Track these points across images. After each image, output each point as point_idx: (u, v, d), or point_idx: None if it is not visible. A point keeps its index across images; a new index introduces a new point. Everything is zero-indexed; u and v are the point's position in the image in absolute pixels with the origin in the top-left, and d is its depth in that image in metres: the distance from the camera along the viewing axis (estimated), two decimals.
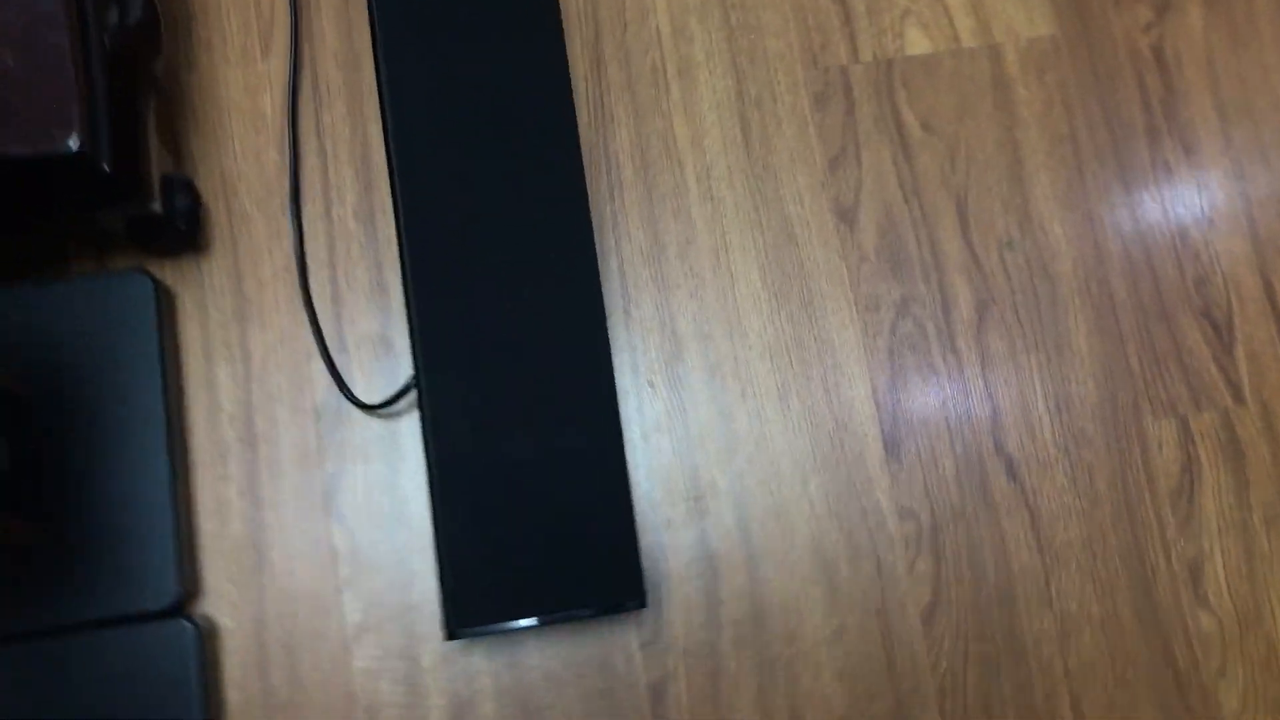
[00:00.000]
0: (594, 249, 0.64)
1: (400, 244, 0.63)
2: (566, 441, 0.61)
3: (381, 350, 0.68)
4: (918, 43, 0.72)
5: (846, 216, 0.70)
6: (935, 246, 0.70)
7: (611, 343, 0.68)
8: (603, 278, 0.69)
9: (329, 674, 0.64)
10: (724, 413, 0.68)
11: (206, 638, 0.62)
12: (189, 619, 0.61)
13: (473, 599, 0.59)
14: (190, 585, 0.63)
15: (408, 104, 0.64)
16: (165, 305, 0.66)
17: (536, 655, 0.65)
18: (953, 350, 0.69)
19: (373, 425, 0.67)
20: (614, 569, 0.60)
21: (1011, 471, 0.68)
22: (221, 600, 0.65)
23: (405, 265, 0.63)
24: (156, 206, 0.62)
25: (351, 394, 0.67)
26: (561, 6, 0.71)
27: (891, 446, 0.68)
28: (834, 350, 0.69)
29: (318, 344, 0.67)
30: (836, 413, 0.68)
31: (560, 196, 0.64)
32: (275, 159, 0.69)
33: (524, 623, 0.60)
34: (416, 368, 0.61)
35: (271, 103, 0.70)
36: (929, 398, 0.68)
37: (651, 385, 0.68)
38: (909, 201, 0.70)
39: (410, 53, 0.65)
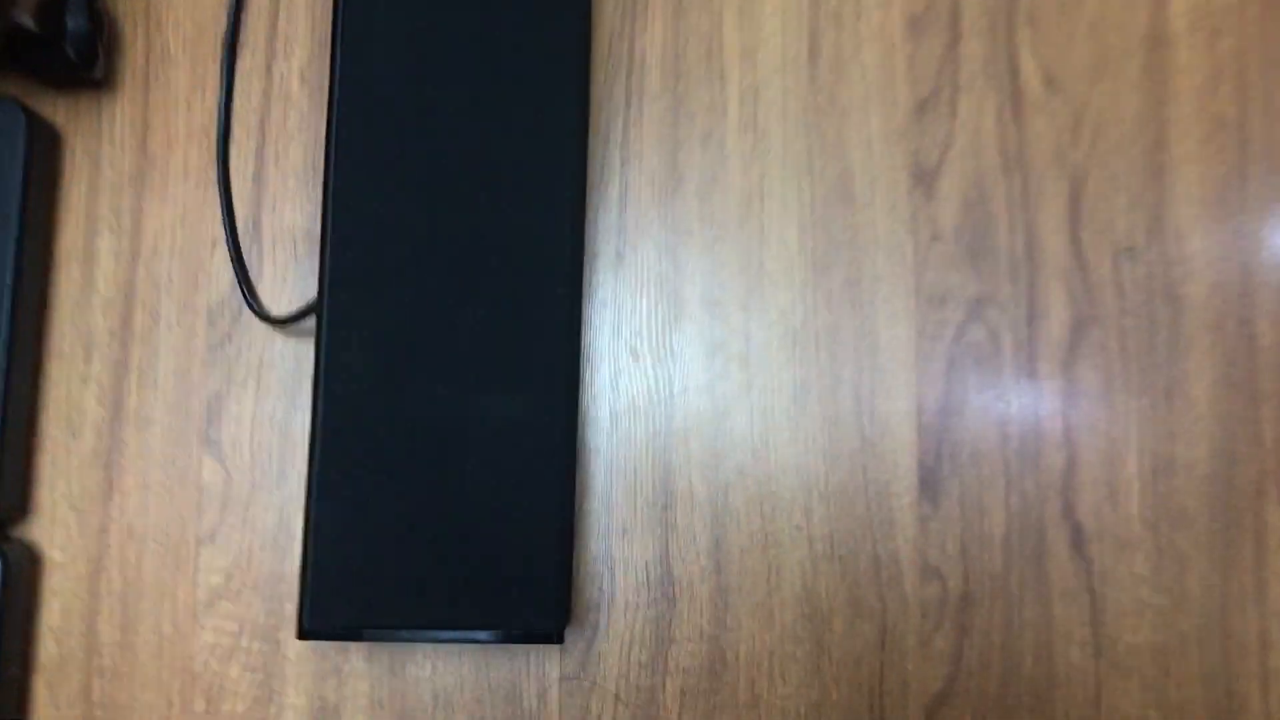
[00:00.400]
0: (583, 165, 0.49)
1: (330, 104, 0.48)
2: (500, 408, 0.46)
3: (304, 251, 0.53)
4: None
5: (924, 180, 0.54)
6: (1032, 238, 0.53)
7: (589, 291, 0.53)
8: (594, 206, 0.53)
9: (169, 643, 0.51)
10: (721, 405, 0.52)
11: (21, 568, 0.49)
12: None
13: (338, 595, 0.45)
14: (13, 500, 0.50)
15: None
16: (42, 147, 0.52)
17: (428, 668, 0.51)
18: (1030, 374, 0.53)
19: (275, 343, 0.53)
20: (532, 587, 0.45)
21: (1078, 543, 0.52)
22: (54, 527, 0.52)
23: (330, 134, 0.48)
24: (29, 22, 0.48)
25: (255, 299, 0.52)
26: None
27: (928, 484, 0.52)
28: (877, 348, 0.53)
29: (226, 230, 0.53)
30: (866, 429, 0.52)
31: (552, 89, 0.49)
32: None
33: (397, 636, 0.45)
34: (321, 280, 0.47)
35: None
36: (988, 429, 0.52)
37: (635, 355, 0.53)
38: (1009, 174, 0.54)
39: None
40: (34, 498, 0.51)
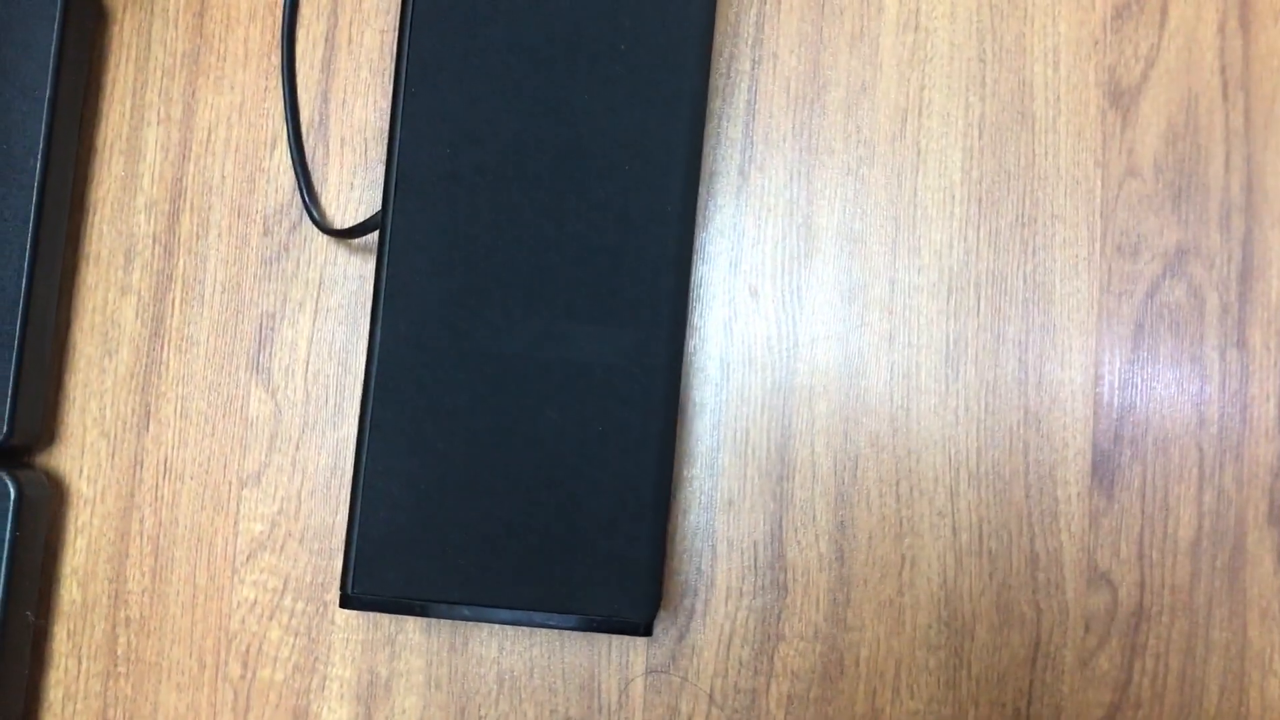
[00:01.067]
0: (706, 63, 0.40)
1: None
2: (591, 347, 0.38)
3: (376, 153, 0.46)
4: None
5: (1121, 101, 0.44)
6: (1253, 178, 0.43)
7: (704, 215, 0.45)
8: (715, 115, 0.45)
9: (203, 595, 0.45)
10: (855, 361, 0.44)
11: (39, 500, 0.43)
12: (12, 470, 0.42)
13: (389, 560, 0.38)
14: (35, 422, 0.44)
15: None
16: (83, 21, 0.45)
17: (494, 647, 0.44)
18: (1240, 344, 0.43)
19: (338, 259, 0.45)
20: (618, 566, 0.38)
21: None
22: (83, 456, 0.45)
23: (405, 12, 0.40)
24: None
25: (316, 207, 0.45)
26: None
27: (1103, 471, 0.43)
28: (1051, 303, 0.43)
29: (288, 125, 0.45)
30: (1031, 400, 0.43)
31: None
32: None
33: (455, 613, 0.38)
34: (387, 188, 0.39)
35: None
36: (1182, 410, 0.43)
37: (755, 294, 0.44)
38: (1229, 97, 0.44)
39: None
40: (62, 422, 0.45)
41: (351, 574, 0.38)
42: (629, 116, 0.39)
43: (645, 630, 0.37)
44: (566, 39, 0.39)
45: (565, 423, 0.38)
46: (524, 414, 0.38)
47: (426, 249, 0.39)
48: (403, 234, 0.39)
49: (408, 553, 0.38)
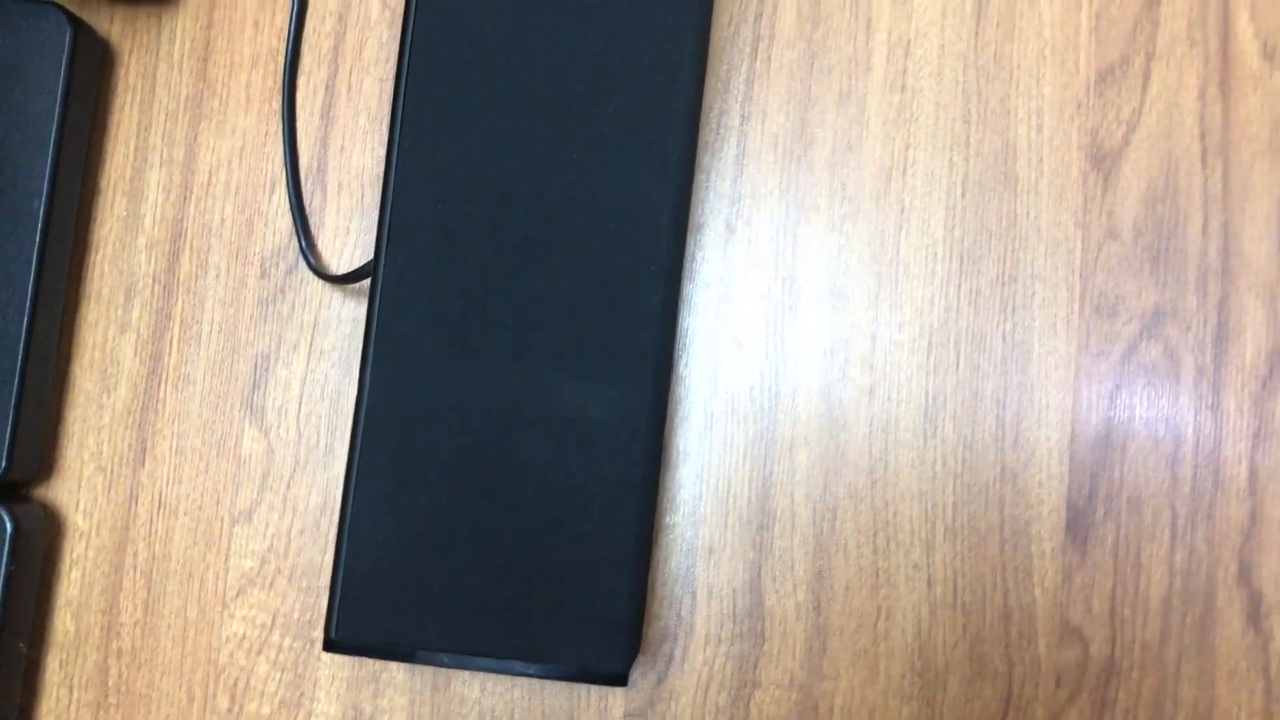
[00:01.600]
0: (695, 119, 0.41)
1: (405, 29, 0.41)
2: (576, 398, 0.39)
3: (372, 199, 0.47)
4: None
5: (1103, 164, 0.45)
6: (1230, 242, 0.44)
7: (691, 267, 0.46)
8: (705, 169, 0.46)
9: (194, 629, 0.45)
10: (836, 413, 0.45)
11: (35, 533, 0.44)
12: (9, 504, 0.43)
13: (372, 605, 0.39)
14: (34, 456, 0.45)
15: None
16: (90, 62, 0.46)
17: (476, 687, 0.45)
18: (1214, 407, 0.44)
19: (333, 303, 0.46)
20: (596, 617, 0.39)
21: (1255, 616, 0.43)
22: (79, 490, 0.46)
23: (402, 64, 0.41)
24: None
25: (313, 252, 0.46)
26: None
27: (1077, 528, 0.44)
28: (1030, 361, 0.44)
29: (287, 169, 0.46)
30: (1008, 456, 0.44)
31: (665, 26, 0.41)
32: None
33: (436, 660, 0.39)
34: (379, 238, 0.40)
35: None
36: (1156, 469, 0.44)
37: (740, 345, 0.45)
38: (1208, 163, 0.44)
39: None
40: (60, 455, 0.46)
41: (335, 619, 0.39)
42: (618, 173, 0.40)
43: (620, 681, 0.38)
44: (558, 97, 0.40)
45: (548, 475, 0.39)
46: (508, 465, 0.39)
47: (416, 299, 0.40)
48: (393, 284, 0.40)
49: (391, 599, 0.39)
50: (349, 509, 0.39)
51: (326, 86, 0.47)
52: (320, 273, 0.45)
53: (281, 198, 0.47)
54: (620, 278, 0.40)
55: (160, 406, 0.46)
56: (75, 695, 0.45)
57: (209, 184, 0.47)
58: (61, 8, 0.45)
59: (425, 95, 0.41)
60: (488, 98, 0.41)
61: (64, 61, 0.45)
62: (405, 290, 0.40)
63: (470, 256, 0.40)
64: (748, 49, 0.46)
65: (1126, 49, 0.45)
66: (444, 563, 0.39)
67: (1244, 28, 0.45)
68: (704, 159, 0.46)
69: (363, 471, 0.39)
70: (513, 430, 0.39)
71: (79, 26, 0.45)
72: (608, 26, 0.41)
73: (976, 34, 0.46)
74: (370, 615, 0.39)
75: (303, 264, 0.46)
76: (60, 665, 0.45)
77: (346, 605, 0.39)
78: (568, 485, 0.39)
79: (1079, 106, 0.45)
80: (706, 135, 0.46)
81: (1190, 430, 0.44)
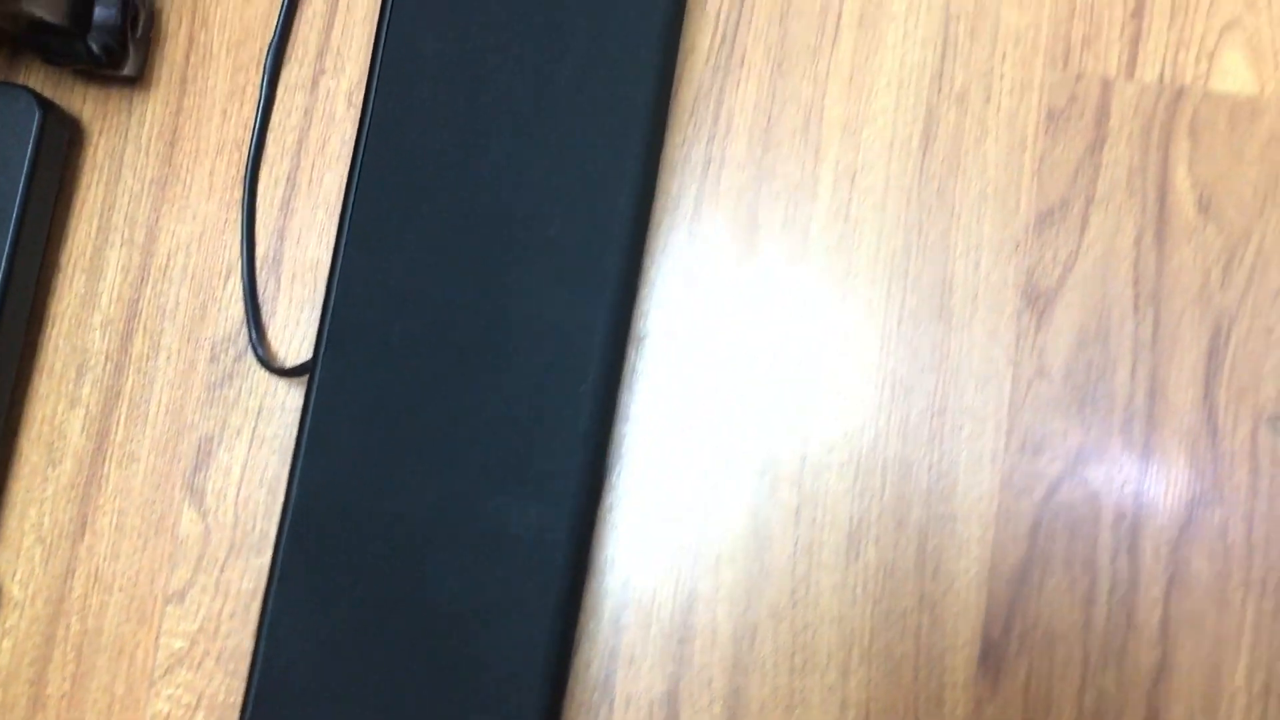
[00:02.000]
0: (642, 235, 0.42)
1: (358, 141, 0.42)
2: (496, 519, 0.40)
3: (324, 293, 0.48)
4: (1234, 75, 0.46)
5: (1038, 304, 0.46)
6: (1156, 389, 0.45)
7: (632, 375, 0.46)
8: (651, 281, 0.47)
9: (120, 705, 0.46)
10: (763, 531, 0.45)
11: None
12: None
13: (287, 704, 0.39)
14: None
15: None
16: (58, 141, 0.47)
17: None
18: (1131, 551, 0.45)
19: (278, 392, 0.47)
20: None
21: None
22: (17, 560, 0.47)
23: (354, 174, 0.42)
24: (43, 13, 0.43)
25: (262, 343, 0.47)
26: None
27: (990, 660, 0.44)
28: (954, 494, 0.45)
29: (244, 258, 0.47)
30: (927, 585, 0.45)
31: (617, 145, 0.42)
32: None
33: None
34: (318, 342, 0.41)
35: None
36: (1071, 609, 0.44)
37: (674, 458, 0.46)
38: (1140, 309, 0.45)
39: None
40: (1, 526, 0.47)
41: (249, 713, 0.39)
42: (554, 293, 0.41)
43: None
44: (502, 215, 0.42)
45: (467, 586, 0.40)
46: (429, 576, 0.40)
47: (349, 403, 0.41)
48: (328, 387, 0.41)
49: (306, 699, 0.40)
50: (269, 605, 0.40)
51: (288, 179, 0.48)
52: (267, 364, 0.46)
53: (236, 285, 0.48)
54: (550, 395, 0.41)
55: (103, 482, 0.47)
56: None
57: (167, 267, 0.48)
58: (32, 91, 0.46)
59: (372, 204, 0.42)
60: (433, 210, 0.42)
61: (31, 143, 0.46)
62: (339, 394, 0.41)
63: (405, 364, 0.41)
64: (699, 169, 0.47)
65: (1067, 193, 0.46)
66: (361, 666, 0.40)
67: (1182, 179, 0.46)
68: (651, 271, 0.47)
69: (285, 570, 0.40)
70: (435, 539, 0.40)
71: (48, 109, 0.46)
72: (555, 148, 0.42)
73: (922, 169, 0.47)
74: (284, 713, 0.40)
75: (251, 352, 0.47)
76: None
77: (261, 701, 0.40)
78: (485, 598, 0.40)
79: (1017, 246, 0.46)
80: (654, 247, 0.47)
81: (1107, 573, 0.44)
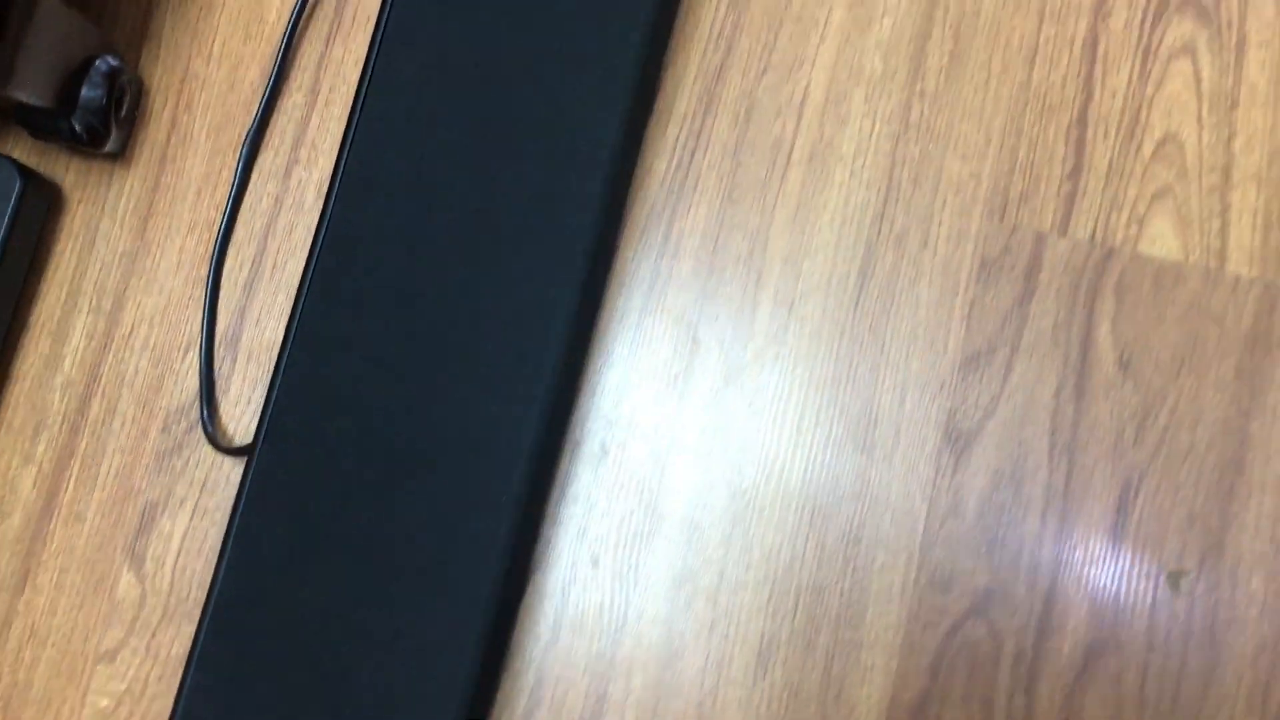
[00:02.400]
0: (584, 344, 0.44)
1: (313, 248, 0.44)
2: (407, 619, 0.42)
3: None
4: (1162, 240, 0.48)
5: (957, 444, 0.48)
6: (1064, 537, 0.47)
7: (562, 483, 0.48)
8: (590, 389, 0.49)
9: None
10: (676, 643, 0.47)
11: None
12: None
13: None
14: None
15: (396, 79, 0.45)
16: (38, 206, 0.49)
17: None
18: (1028, 692, 0.46)
19: (224, 464, 0.49)
20: None
21: None
22: None
23: (304, 279, 0.44)
24: (29, 97, 0.45)
25: (212, 417, 0.49)
26: (694, 11, 0.50)
27: None
28: (861, 623, 0.47)
29: (203, 335, 0.49)
30: (829, 709, 0.46)
31: (567, 254, 0.44)
32: (254, 81, 0.52)
33: None
34: (258, 431, 0.43)
35: (279, 5, 0.52)
36: None
37: (595, 563, 0.48)
38: (1054, 458, 0.47)
39: (425, 25, 0.46)
40: None
41: None
42: (484, 410, 0.43)
43: None
44: (441, 332, 0.44)
45: (380, 684, 0.42)
46: (343, 669, 0.42)
47: (280, 495, 0.43)
48: (261, 478, 0.43)
49: None
50: (187, 681, 0.42)
51: (253, 262, 0.51)
52: (214, 441, 0.48)
53: (194, 359, 0.50)
54: (473, 504, 0.43)
55: (48, 539, 0.49)
56: None
57: (130, 336, 0.50)
58: (14, 161, 0.48)
59: (320, 308, 0.44)
60: (378, 317, 0.44)
61: (9, 211, 0.48)
62: (271, 484, 0.43)
63: (338, 462, 0.43)
64: (645, 283, 0.49)
65: (994, 340, 0.48)
66: None
67: (1104, 336, 0.48)
68: (592, 379, 0.49)
69: (206, 648, 0.42)
70: (351, 634, 0.42)
71: (29, 178, 0.49)
72: (500, 266, 0.44)
73: (857, 304, 0.49)
74: None
75: (202, 428, 0.49)
76: None
77: None
78: (396, 693, 0.41)
79: (942, 386, 0.48)
80: (598, 358, 0.49)
81: (1003, 711, 0.46)
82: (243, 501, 0.43)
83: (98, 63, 0.48)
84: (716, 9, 0.50)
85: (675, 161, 0.50)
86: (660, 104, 0.50)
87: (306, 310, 0.44)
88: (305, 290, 0.44)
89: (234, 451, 0.47)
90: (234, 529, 0.42)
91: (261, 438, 0.43)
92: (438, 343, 0.44)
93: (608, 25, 0.47)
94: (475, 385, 0.43)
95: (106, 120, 0.48)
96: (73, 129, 0.47)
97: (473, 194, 0.45)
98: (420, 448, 0.43)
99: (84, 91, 0.47)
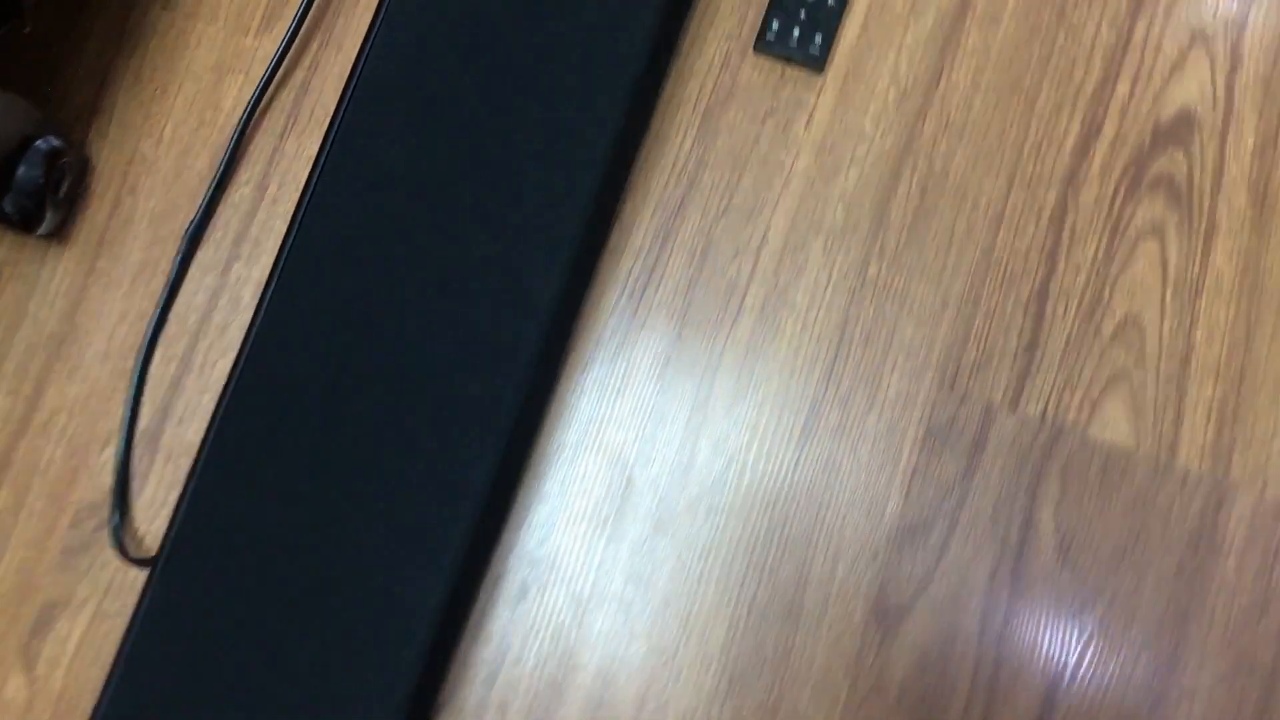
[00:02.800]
0: (511, 489, 0.43)
1: (232, 372, 0.43)
2: None
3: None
4: (1114, 425, 0.47)
5: (885, 619, 0.46)
6: None
7: (478, 621, 0.46)
8: (520, 525, 0.47)
9: None
10: None
11: None
12: None
13: None
14: None
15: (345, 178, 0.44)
16: None
17: None
18: None
19: (130, 569, 0.47)
20: None
21: None
22: None
23: (229, 385, 0.42)
24: None
25: (122, 522, 0.47)
26: (660, 143, 0.49)
27: None
28: None
29: (123, 431, 0.48)
30: None
31: (497, 390, 0.43)
32: (202, 170, 0.50)
33: None
34: (158, 555, 0.41)
35: (236, 94, 0.51)
36: None
37: (503, 712, 0.46)
38: (984, 645, 0.46)
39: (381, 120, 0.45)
40: None
41: None
42: (394, 558, 0.42)
43: None
44: (357, 474, 0.42)
45: None
46: None
47: (177, 621, 0.41)
48: (157, 604, 0.41)
49: None
50: None
51: (183, 358, 0.49)
52: (122, 548, 0.46)
53: (111, 455, 0.48)
54: (371, 657, 0.41)
55: None
56: None
57: (48, 424, 0.49)
58: None
59: (234, 438, 0.42)
60: (294, 451, 0.42)
61: None
62: (169, 608, 0.41)
63: (240, 591, 0.41)
64: (584, 422, 0.48)
65: (932, 513, 0.47)
66: None
67: (1046, 520, 0.46)
68: (521, 513, 0.47)
69: None
70: None
71: None
72: (420, 405, 0.43)
73: (797, 463, 0.47)
74: None
75: (110, 533, 0.47)
76: None
77: None
78: None
79: (875, 556, 0.46)
80: (528, 490, 0.47)
81: None
82: (139, 620, 0.41)
83: (39, 143, 0.46)
84: (682, 142, 0.49)
85: (627, 293, 0.49)
86: (616, 234, 0.49)
87: (225, 422, 0.42)
88: (226, 400, 0.42)
89: (140, 562, 0.45)
90: (126, 648, 0.41)
91: (166, 554, 0.41)
92: (359, 474, 0.42)
93: (569, 156, 0.45)
94: (383, 532, 0.42)
95: (42, 202, 0.47)
96: (2, 211, 0.46)
97: (409, 322, 0.43)
98: (329, 579, 0.41)
99: (20, 171, 0.46)
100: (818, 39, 0.48)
